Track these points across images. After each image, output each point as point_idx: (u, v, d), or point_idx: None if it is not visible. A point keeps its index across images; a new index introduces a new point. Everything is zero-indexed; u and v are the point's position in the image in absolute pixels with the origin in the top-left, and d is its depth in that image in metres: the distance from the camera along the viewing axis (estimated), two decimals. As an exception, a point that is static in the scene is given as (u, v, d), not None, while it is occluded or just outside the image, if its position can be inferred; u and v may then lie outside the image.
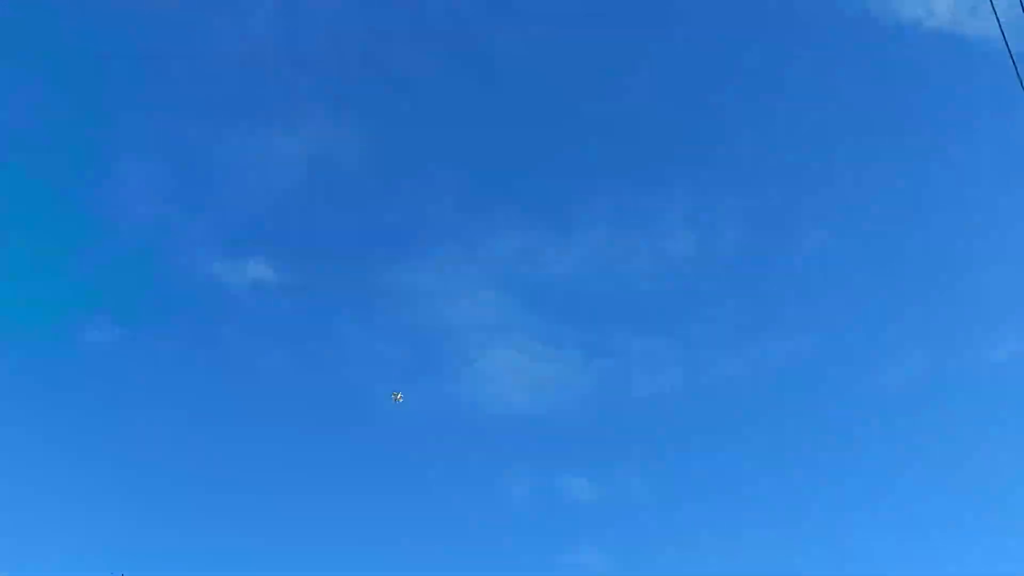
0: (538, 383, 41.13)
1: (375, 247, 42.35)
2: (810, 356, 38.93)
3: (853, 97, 35.23)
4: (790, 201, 37.55)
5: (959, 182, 36.71)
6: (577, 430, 41.26)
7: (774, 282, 38.83)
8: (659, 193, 39.33)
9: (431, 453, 41.57)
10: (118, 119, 38.89)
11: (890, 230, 37.39)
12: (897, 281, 38.02)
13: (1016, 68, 6.44)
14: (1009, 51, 6.18)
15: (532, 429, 41.69)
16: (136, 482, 39.00)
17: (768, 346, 39.76)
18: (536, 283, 41.15)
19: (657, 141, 38.30)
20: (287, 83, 37.71)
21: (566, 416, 41.08)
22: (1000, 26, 6.05)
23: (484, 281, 41.50)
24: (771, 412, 39.60)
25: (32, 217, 39.66)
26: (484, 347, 41.28)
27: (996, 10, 5.94)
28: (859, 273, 38.20)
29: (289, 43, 37.42)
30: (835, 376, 39.00)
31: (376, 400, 42.83)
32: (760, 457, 39.09)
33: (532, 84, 36.96)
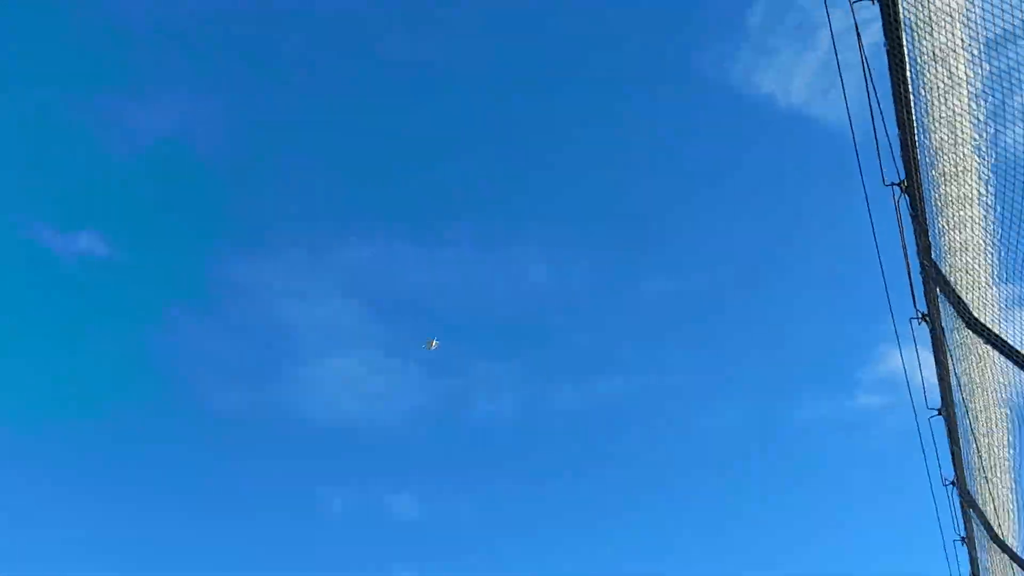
0: (375, 396, 40.84)
1: (222, 237, 40.08)
2: (640, 395, 40.97)
3: (704, 159, 36.59)
4: (635, 249, 39.13)
5: (793, 254, 39.07)
6: (409, 447, 41.47)
7: (615, 323, 40.39)
8: (520, 224, 39.49)
9: (252, 456, 40.66)
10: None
11: (723, 288, 39.53)
12: (727, 334, 40.42)
13: (857, 153, 6.47)
14: (853, 135, 6.27)
15: (362, 442, 41.52)
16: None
17: (603, 382, 41.38)
18: (387, 294, 40.45)
19: (523, 175, 38.19)
20: (151, 55, 34.21)
21: (399, 432, 41.13)
22: (848, 111, 6.05)
23: (333, 286, 40.25)
24: (600, 445, 41.49)
25: None
26: (324, 354, 40.30)
27: (846, 95, 5.93)
28: (692, 324, 40.29)
29: (161, 15, 33.78)
30: (661, 416, 41.29)
31: (200, 394, 41.32)
32: (586, 487, 41.01)
33: (409, 94, 35.64)
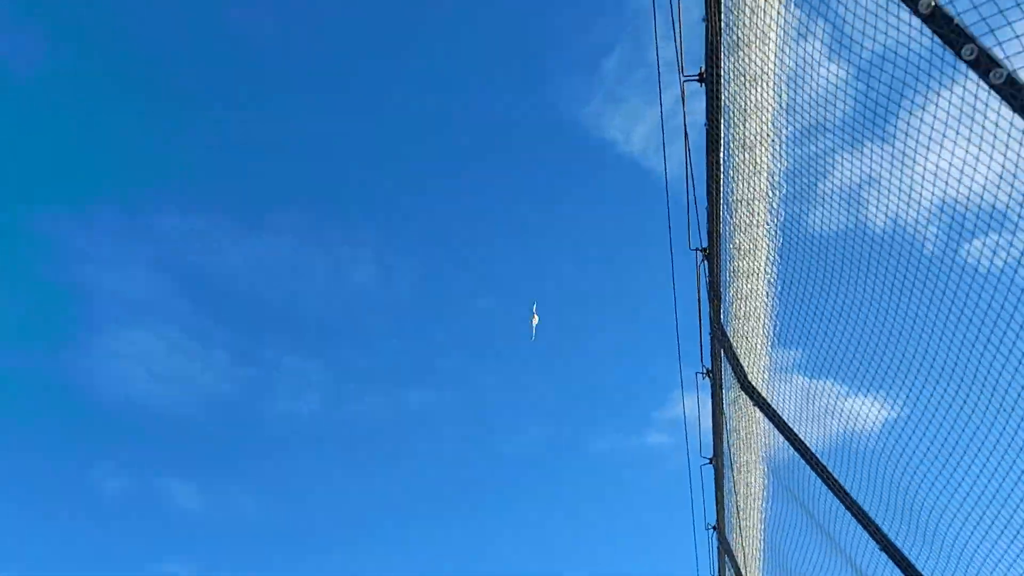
0: (170, 376, 38.55)
1: (18, 184, 36.60)
2: (450, 410, 41.80)
3: (544, 191, 38.29)
4: (462, 267, 40.00)
5: (609, 293, 41.50)
6: (200, 435, 39.94)
7: (434, 336, 40.93)
8: (352, 224, 39.04)
9: (17, 426, 37.69)
10: None
11: (541, 316, 41.41)
12: (538, 361, 42.21)
13: (669, 215, 7.05)
14: (667, 200, 6.83)
15: (148, 423, 39.37)
16: None
17: (414, 392, 41.83)
18: (201, 272, 38.40)
19: (361, 175, 37.81)
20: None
21: (191, 417, 39.38)
22: (665, 171, 6.59)
23: (143, 254, 37.74)
24: (404, 454, 41.89)
25: None
26: (120, 324, 37.71)
27: (667, 164, 6.49)
28: (506, 347, 41.77)
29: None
30: (462, 434, 42.43)
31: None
32: (384, 496, 41.23)
33: (258, 72, 34.22)
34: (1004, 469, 4.47)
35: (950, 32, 3.07)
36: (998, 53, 3.00)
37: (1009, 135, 3.09)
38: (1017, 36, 2.96)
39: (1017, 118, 2.97)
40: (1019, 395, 4.17)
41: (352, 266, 38.69)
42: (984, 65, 2.99)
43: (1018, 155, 3.10)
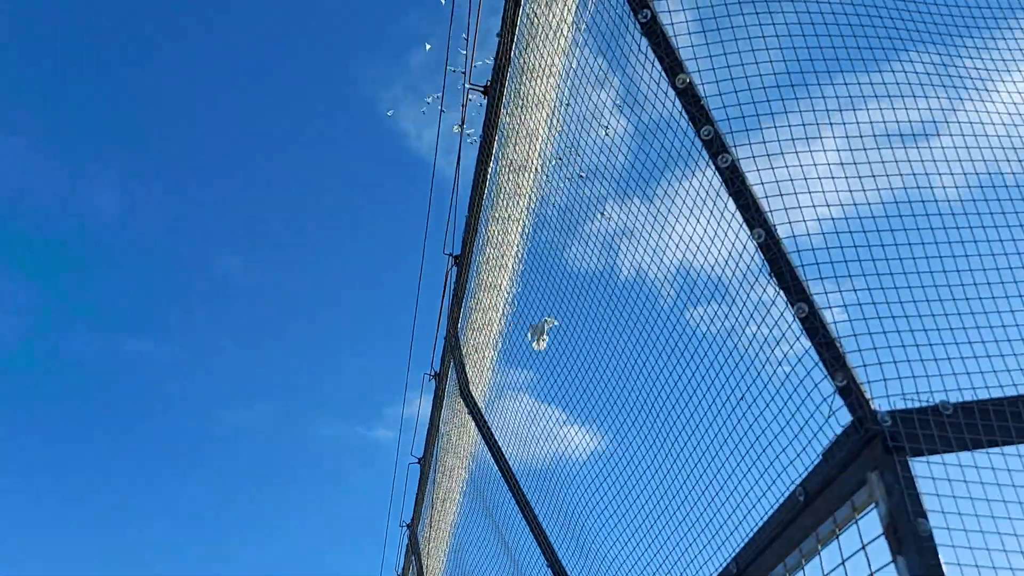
0: None
1: None
2: (166, 367, 39.62)
3: (319, 161, 37.76)
4: (212, 221, 38.02)
5: (362, 281, 41.71)
6: None
7: (167, 284, 38.51)
8: (100, 139, 35.75)
9: None
10: None
11: (284, 291, 40.60)
12: (273, 334, 41.31)
13: (428, 216, 7.21)
14: (430, 200, 6.99)
15: None
16: None
17: (130, 340, 39.21)
18: None
19: (124, 93, 34.68)
20: None
21: None
22: (433, 173, 6.74)
23: None
24: (107, 405, 39.24)
25: None
26: None
27: (435, 168, 6.64)
28: (244, 314, 40.28)
29: None
30: (179, 397, 40.58)
31: None
32: (64, 447, 38.62)
33: None
34: (669, 514, 4.92)
35: (696, 111, 3.37)
36: (729, 140, 3.35)
37: (723, 215, 3.44)
38: (747, 130, 3.31)
39: (731, 202, 3.32)
40: (693, 451, 4.60)
41: (91, 188, 35.25)
42: (716, 148, 3.31)
43: (726, 235, 3.47)
